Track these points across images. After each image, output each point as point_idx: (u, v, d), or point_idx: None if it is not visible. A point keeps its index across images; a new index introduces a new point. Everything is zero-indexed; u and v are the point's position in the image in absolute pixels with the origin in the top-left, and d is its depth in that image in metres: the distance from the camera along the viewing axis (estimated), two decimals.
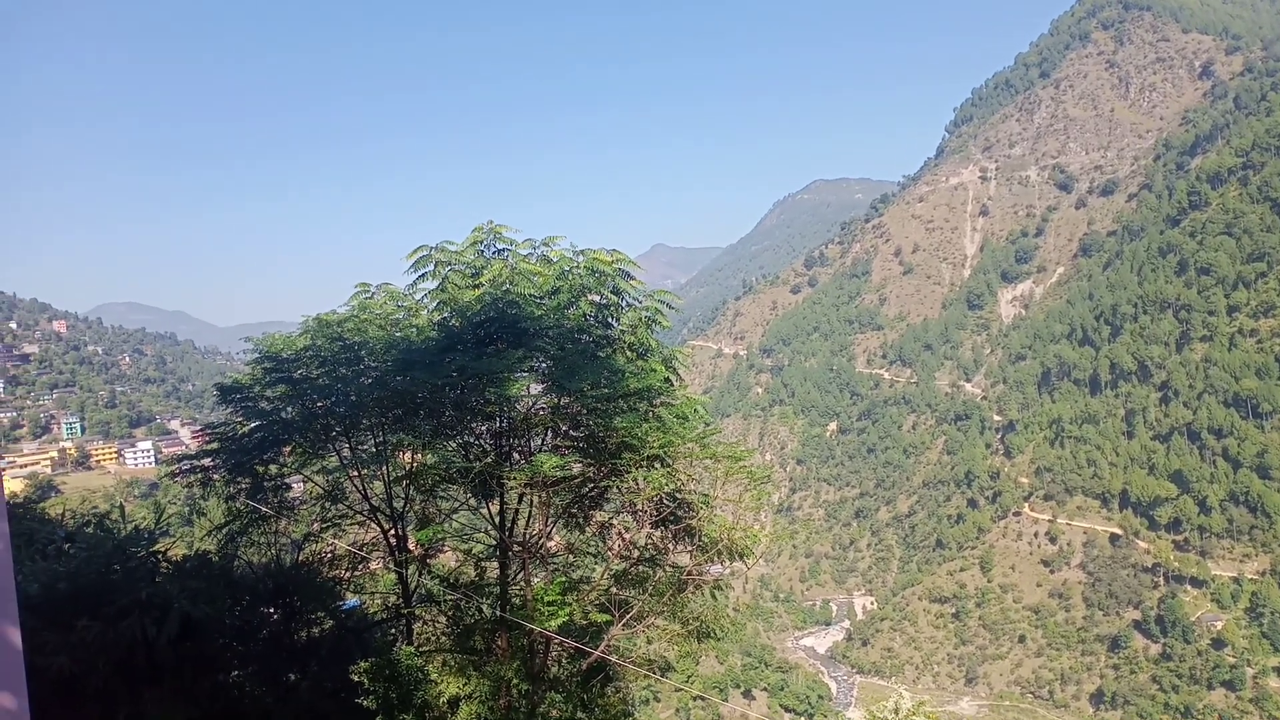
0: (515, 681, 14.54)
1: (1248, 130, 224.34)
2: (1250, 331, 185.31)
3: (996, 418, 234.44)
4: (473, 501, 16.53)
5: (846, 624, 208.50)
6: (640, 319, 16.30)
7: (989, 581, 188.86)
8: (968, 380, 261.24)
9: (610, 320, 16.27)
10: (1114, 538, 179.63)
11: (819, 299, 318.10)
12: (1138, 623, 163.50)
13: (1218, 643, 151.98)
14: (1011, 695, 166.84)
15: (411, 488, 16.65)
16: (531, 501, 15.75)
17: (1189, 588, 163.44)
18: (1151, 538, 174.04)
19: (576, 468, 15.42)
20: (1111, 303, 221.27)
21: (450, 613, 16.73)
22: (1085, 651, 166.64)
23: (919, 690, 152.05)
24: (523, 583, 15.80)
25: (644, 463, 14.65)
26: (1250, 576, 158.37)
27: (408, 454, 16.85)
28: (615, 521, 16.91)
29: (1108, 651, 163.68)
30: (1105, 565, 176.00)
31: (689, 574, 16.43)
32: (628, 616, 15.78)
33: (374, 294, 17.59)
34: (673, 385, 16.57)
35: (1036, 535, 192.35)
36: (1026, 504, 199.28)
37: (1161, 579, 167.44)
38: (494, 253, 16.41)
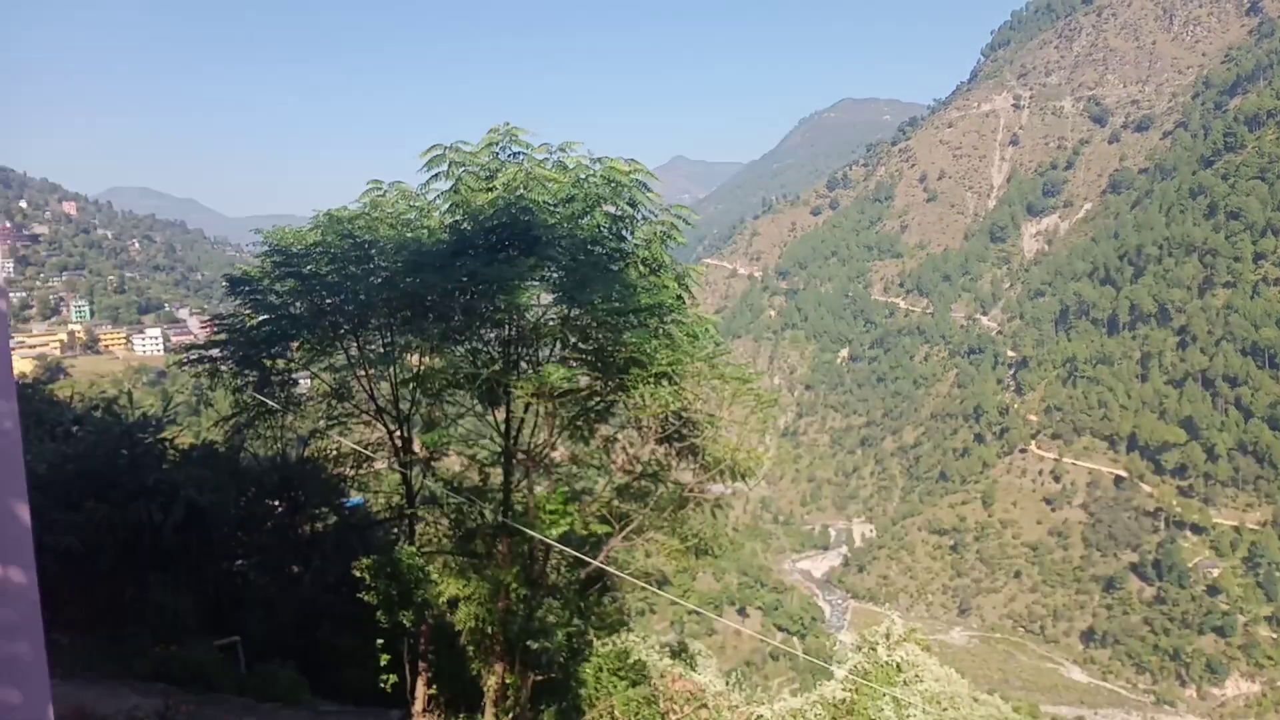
0: (514, 586, 14.72)
1: None
2: (1275, 280, 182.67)
3: (1010, 353, 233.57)
4: (479, 408, 16.47)
5: (844, 550, 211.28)
6: (655, 233, 15.97)
7: (989, 516, 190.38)
8: (984, 314, 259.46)
9: (624, 233, 15.95)
10: (1118, 480, 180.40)
11: (839, 222, 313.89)
12: (1134, 565, 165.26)
13: (1212, 589, 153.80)
14: (1003, 628, 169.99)
15: (418, 390, 16.63)
16: (538, 411, 15.69)
17: (1189, 534, 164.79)
18: (1156, 482, 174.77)
19: (584, 380, 15.34)
20: (1137, 243, 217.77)
21: (452, 516, 16.85)
22: (1080, 590, 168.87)
23: (911, 618, 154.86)
24: (525, 491, 15.87)
25: (652, 379, 14.53)
26: (1251, 526, 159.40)
27: (415, 356, 16.76)
28: (620, 436, 16.91)
29: (1102, 591, 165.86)
30: (1107, 506, 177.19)
31: (690, 491, 16.51)
32: (628, 529, 15.90)
33: (386, 192, 17.22)
34: (684, 303, 16.34)
35: (1041, 473, 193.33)
36: (1033, 441, 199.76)
37: (1162, 523, 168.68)
38: (509, 156, 15.98)
